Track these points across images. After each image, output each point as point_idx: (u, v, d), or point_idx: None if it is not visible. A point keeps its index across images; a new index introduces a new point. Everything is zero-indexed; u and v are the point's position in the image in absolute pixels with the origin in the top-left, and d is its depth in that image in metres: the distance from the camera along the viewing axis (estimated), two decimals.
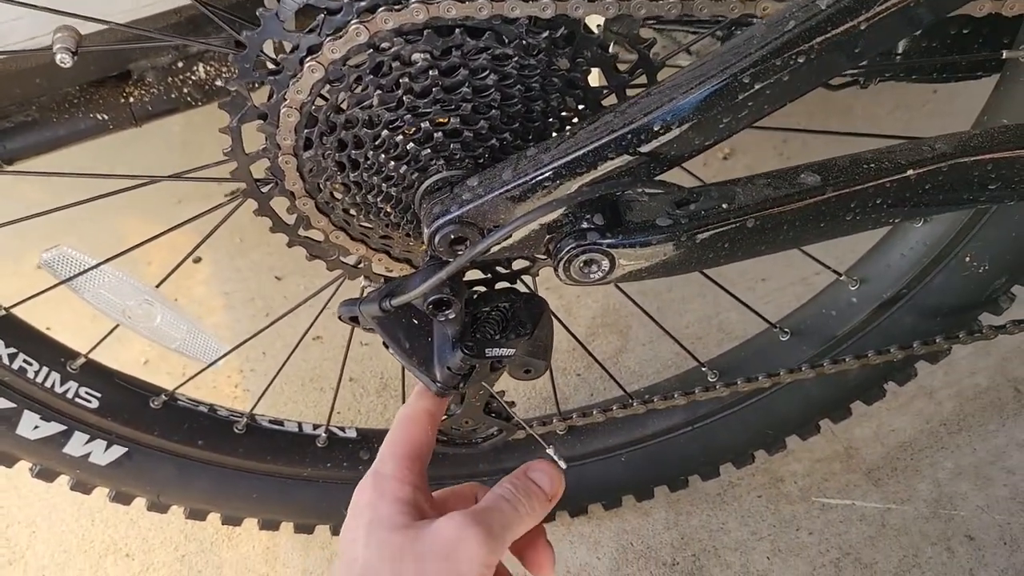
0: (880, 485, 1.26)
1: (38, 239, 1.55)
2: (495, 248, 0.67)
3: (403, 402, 1.08)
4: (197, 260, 1.56)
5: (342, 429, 1.13)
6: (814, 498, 1.26)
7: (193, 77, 0.98)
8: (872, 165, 0.70)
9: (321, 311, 1.03)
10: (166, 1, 0.91)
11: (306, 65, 0.67)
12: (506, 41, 0.67)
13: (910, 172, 0.69)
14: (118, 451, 0.99)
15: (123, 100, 0.97)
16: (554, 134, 0.72)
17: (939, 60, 0.88)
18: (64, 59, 0.72)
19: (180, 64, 0.98)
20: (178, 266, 0.92)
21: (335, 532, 1.17)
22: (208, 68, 0.98)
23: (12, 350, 0.90)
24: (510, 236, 0.67)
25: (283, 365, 1.11)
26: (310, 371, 1.41)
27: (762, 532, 1.22)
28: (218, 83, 1.00)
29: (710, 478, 1.18)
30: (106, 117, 0.97)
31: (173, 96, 0.98)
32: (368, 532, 0.60)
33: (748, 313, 1.43)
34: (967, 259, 0.92)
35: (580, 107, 0.72)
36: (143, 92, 0.97)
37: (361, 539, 0.60)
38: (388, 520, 0.61)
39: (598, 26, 0.71)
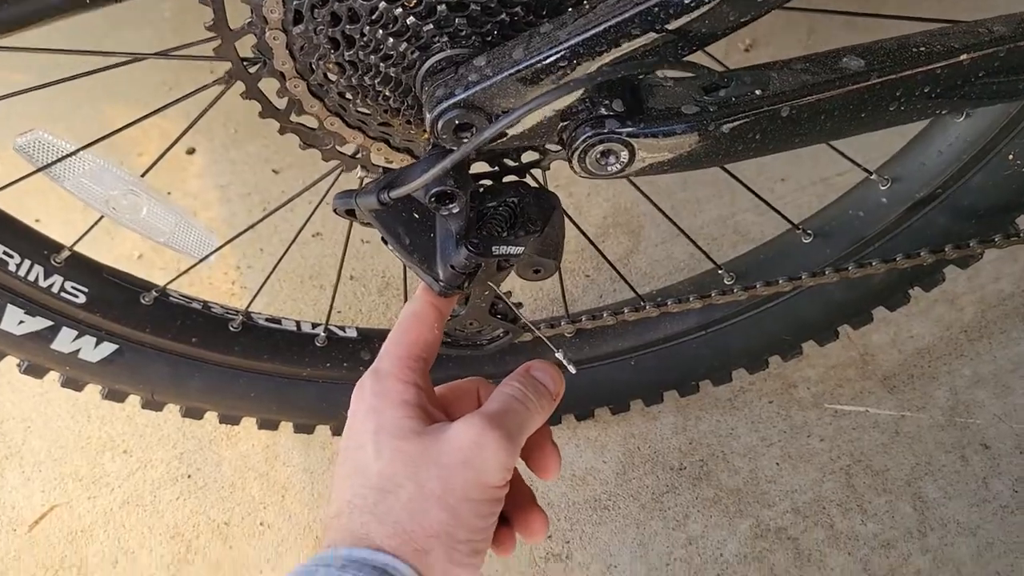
0: (895, 392, 1.23)
1: (21, 125, 1.49)
2: (504, 136, 0.61)
3: (405, 301, 1.05)
4: (191, 151, 1.49)
5: (342, 328, 1.09)
6: (827, 405, 1.22)
7: None
8: (922, 49, 0.63)
9: (318, 205, 0.97)
10: None
11: None
12: None
13: (963, 57, 0.63)
14: (109, 348, 0.95)
15: None
16: (568, 10, 0.65)
17: None
18: None
19: None
20: (165, 152, 0.86)
21: (336, 432, 1.15)
22: None
23: None
24: (520, 122, 0.61)
25: (279, 260, 1.06)
26: (309, 268, 1.36)
27: (772, 438, 1.20)
28: None
29: (722, 383, 1.15)
30: None
31: None
32: (377, 440, 0.57)
33: (766, 215, 1.37)
34: (1010, 157, 0.86)
35: None
36: None
37: (370, 447, 0.57)
38: (397, 427, 0.58)
39: None
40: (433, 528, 0.55)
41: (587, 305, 1.30)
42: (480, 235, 0.67)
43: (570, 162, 0.63)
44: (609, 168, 0.63)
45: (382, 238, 0.69)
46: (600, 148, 0.61)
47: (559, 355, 0.85)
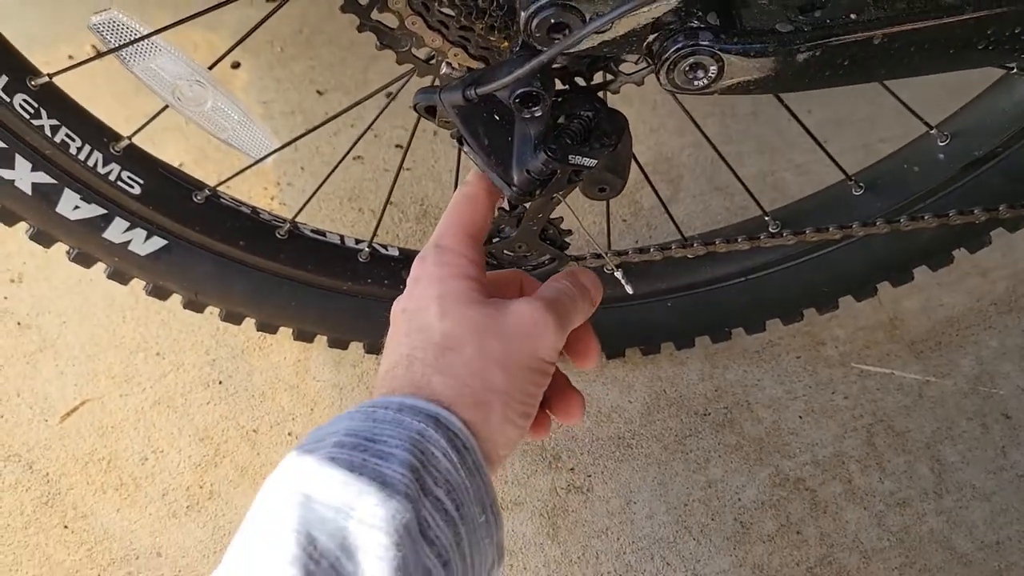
0: (922, 358, 1.24)
1: (72, 29, 1.49)
2: (595, 39, 0.61)
3: None
4: (236, 66, 1.48)
5: (385, 247, 1.10)
6: (853, 364, 1.24)
7: None
8: None
9: (367, 130, 0.97)
10: None
11: None
12: None
13: None
14: (158, 243, 0.96)
15: None
16: None
17: None
18: None
19: None
20: (227, 53, 0.86)
21: (369, 350, 1.16)
22: None
23: (55, 122, 0.85)
24: (612, 28, 0.61)
25: (327, 177, 1.07)
26: (349, 190, 1.36)
27: (797, 392, 1.21)
28: None
29: (755, 332, 1.15)
30: None
31: None
32: (442, 304, 0.60)
33: (806, 174, 1.38)
34: None
35: None
36: None
37: (434, 308, 0.60)
38: (463, 294, 0.61)
39: None
40: (492, 384, 0.58)
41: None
42: (558, 142, 0.67)
43: (657, 74, 0.64)
44: (696, 83, 0.63)
45: (458, 138, 0.70)
46: (690, 60, 0.62)
47: (619, 274, 0.86)
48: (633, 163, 0.99)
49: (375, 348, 1.15)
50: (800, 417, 1.19)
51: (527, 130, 0.67)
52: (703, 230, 1.35)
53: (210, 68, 0.87)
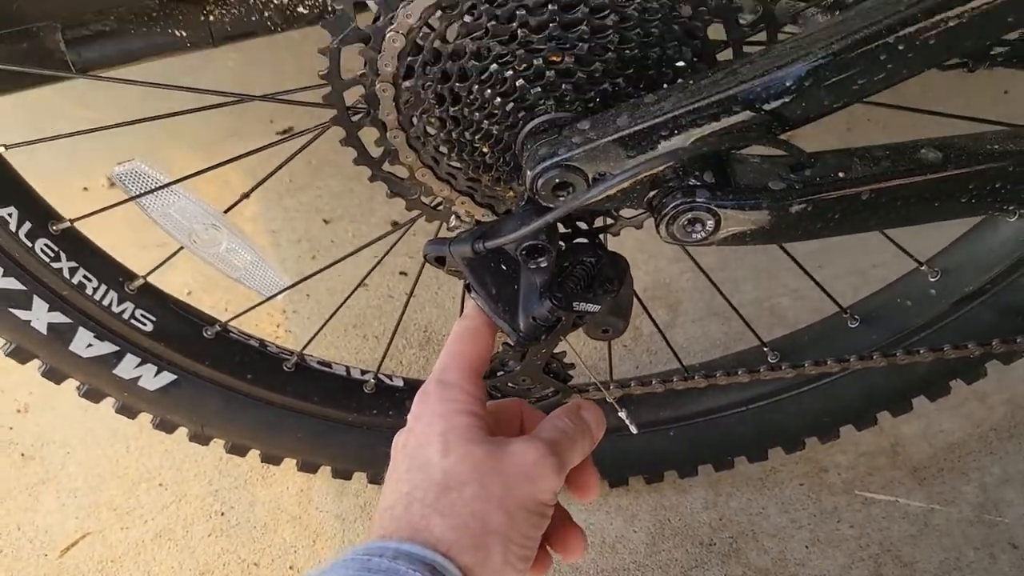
0: (925, 484, 1.24)
1: (88, 162, 1.54)
2: (599, 197, 0.65)
3: None
4: (245, 196, 1.53)
5: (389, 377, 1.11)
6: (857, 491, 1.23)
7: (275, 1, 0.95)
8: (996, 147, 0.67)
9: (378, 263, 1.01)
10: None
11: None
12: None
13: None
14: (168, 377, 0.97)
15: (203, 18, 0.94)
16: (664, 83, 0.69)
17: None
18: None
19: None
20: (246, 195, 0.90)
21: (372, 480, 1.16)
22: None
23: (73, 264, 0.88)
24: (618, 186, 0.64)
25: (335, 311, 1.09)
26: (353, 317, 1.38)
27: (802, 521, 1.20)
28: (300, 10, 0.97)
29: (757, 461, 1.16)
30: (184, 34, 0.94)
31: (254, 19, 0.95)
32: (445, 441, 0.60)
33: (802, 300, 1.41)
34: None
35: (695, 59, 0.68)
36: (224, 12, 0.94)
37: (436, 446, 0.60)
38: (466, 432, 0.61)
39: None
40: (492, 526, 0.58)
41: (623, 373, 1.32)
42: (562, 290, 0.70)
43: (657, 227, 0.66)
44: (694, 235, 0.66)
45: (466, 285, 0.72)
46: (688, 216, 0.65)
47: (622, 414, 0.87)
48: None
49: (378, 479, 1.15)
50: (806, 547, 1.18)
51: (533, 279, 0.70)
52: (703, 355, 1.38)
53: (225, 212, 0.90)
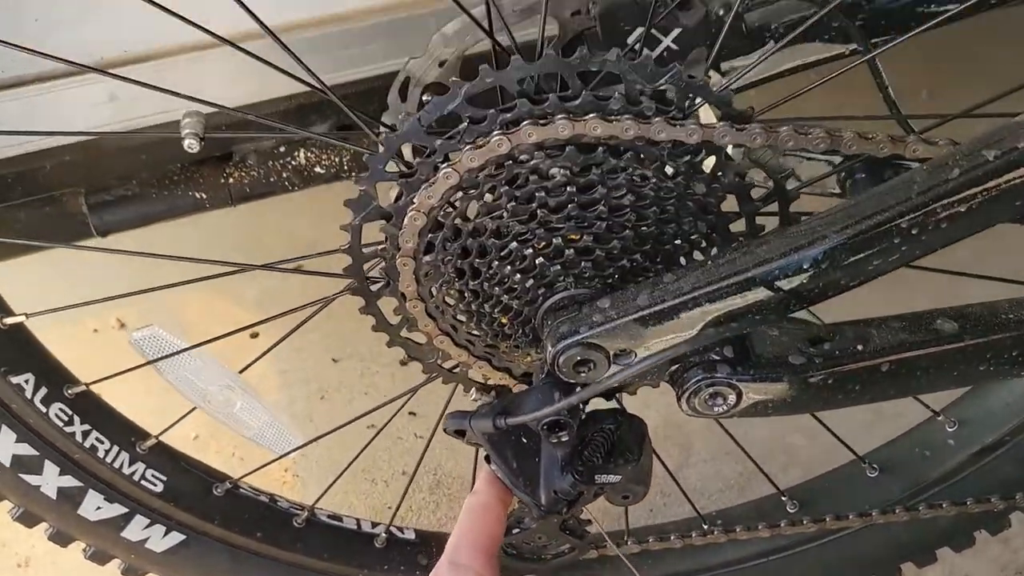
0: None
1: (99, 305, 1.55)
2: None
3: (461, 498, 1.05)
4: (255, 335, 1.53)
5: (401, 530, 1.09)
6: None
7: (293, 162, 0.98)
8: (1011, 316, 0.67)
9: (395, 415, 1.00)
10: (282, 87, 0.91)
11: (441, 171, 0.65)
12: (647, 163, 0.66)
13: None
14: (176, 538, 0.95)
15: (223, 181, 0.97)
16: (681, 257, 0.71)
17: None
18: (192, 144, 0.72)
19: (282, 148, 0.98)
20: (267, 352, 0.90)
21: None
22: (308, 155, 0.98)
23: (86, 427, 0.87)
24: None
25: (350, 464, 1.08)
26: (362, 460, 1.35)
27: None
28: (317, 169, 1.00)
29: None
30: (204, 196, 0.97)
31: (272, 180, 0.98)
32: None
33: (816, 438, 1.39)
34: None
35: (710, 232, 0.70)
36: (243, 174, 0.97)
37: None
38: None
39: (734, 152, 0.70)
40: None
41: (638, 519, 1.30)
42: (584, 463, 0.69)
43: (679, 401, 0.67)
44: (715, 408, 0.66)
45: (487, 457, 0.72)
46: (709, 391, 0.65)
47: None
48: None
49: None
50: None
51: (554, 452, 0.69)
52: (717, 497, 1.35)
53: (240, 372, 0.90)
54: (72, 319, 1.50)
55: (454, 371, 0.82)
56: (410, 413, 1.44)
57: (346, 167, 0.98)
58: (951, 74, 1.74)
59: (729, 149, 0.69)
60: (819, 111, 0.73)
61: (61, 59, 0.65)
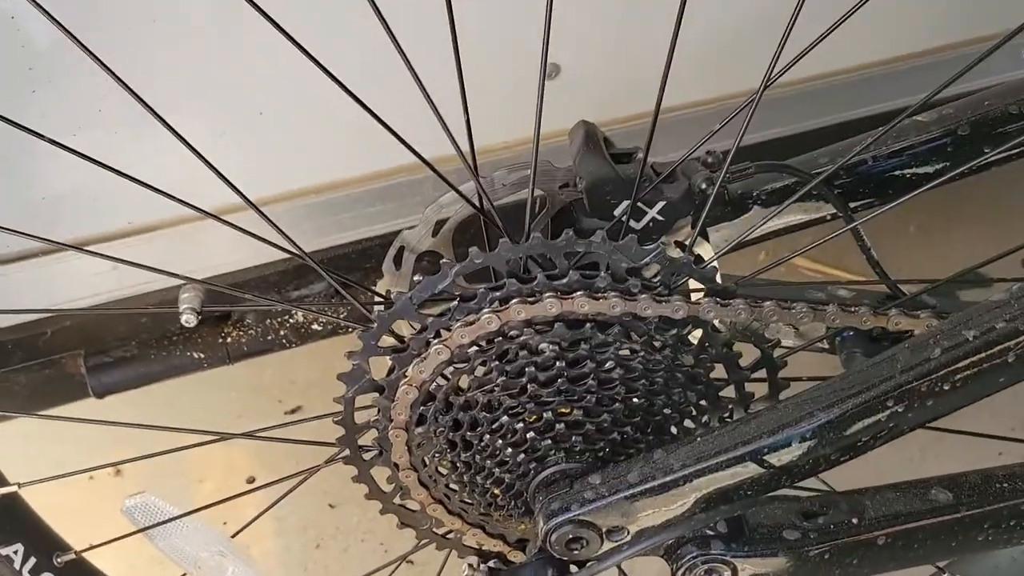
0: None
1: (96, 454, 1.54)
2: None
3: None
4: (251, 480, 1.52)
5: None
6: None
7: (291, 321, 1.00)
8: (1006, 485, 0.67)
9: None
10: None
11: (433, 347, 0.66)
12: (634, 337, 0.67)
13: None
14: None
15: (221, 340, 0.98)
16: (672, 426, 0.71)
17: None
18: (189, 319, 0.73)
19: (279, 308, 1.00)
20: (258, 516, 0.90)
21: None
22: (306, 314, 1.00)
23: None
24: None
25: None
26: None
27: None
28: (315, 327, 1.01)
29: None
30: (202, 356, 0.98)
31: (269, 338, 1.00)
32: None
33: None
34: None
35: (699, 400, 0.70)
36: (241, 333, 0.99)
37: None
38: None
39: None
40: None
41: None
42: None
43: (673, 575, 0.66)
44: None
45: None
46: (705, 567, 0.64)
47: None
48: None
49: None
50: None
51: None
52: None
53: (233, 536, 0.89)
54: (66, 466, 1.49)
55: (448, 536, 0.82)
56: (408, 561, 1.41)
57: (342, 324, 1.00)
58: (941, 207, 1.78)
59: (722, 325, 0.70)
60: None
61: (44, 239, 0.67)
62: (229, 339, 0.98)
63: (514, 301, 0.65)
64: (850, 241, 0.81)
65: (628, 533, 0.64)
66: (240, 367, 1.65)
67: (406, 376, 0.68)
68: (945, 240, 1.84)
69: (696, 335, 0.69)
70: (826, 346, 0.83)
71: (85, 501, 1.48)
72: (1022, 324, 0.58)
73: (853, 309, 0.67)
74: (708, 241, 0.82)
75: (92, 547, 0.86)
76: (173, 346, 0.96)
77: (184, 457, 1.52)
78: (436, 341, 0.67)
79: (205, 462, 1.52)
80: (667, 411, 0.70)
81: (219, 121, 0.84)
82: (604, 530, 0.64)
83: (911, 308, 0.68)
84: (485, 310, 0.65)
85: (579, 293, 0.64)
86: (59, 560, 0.85)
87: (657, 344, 0.67)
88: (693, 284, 0.69)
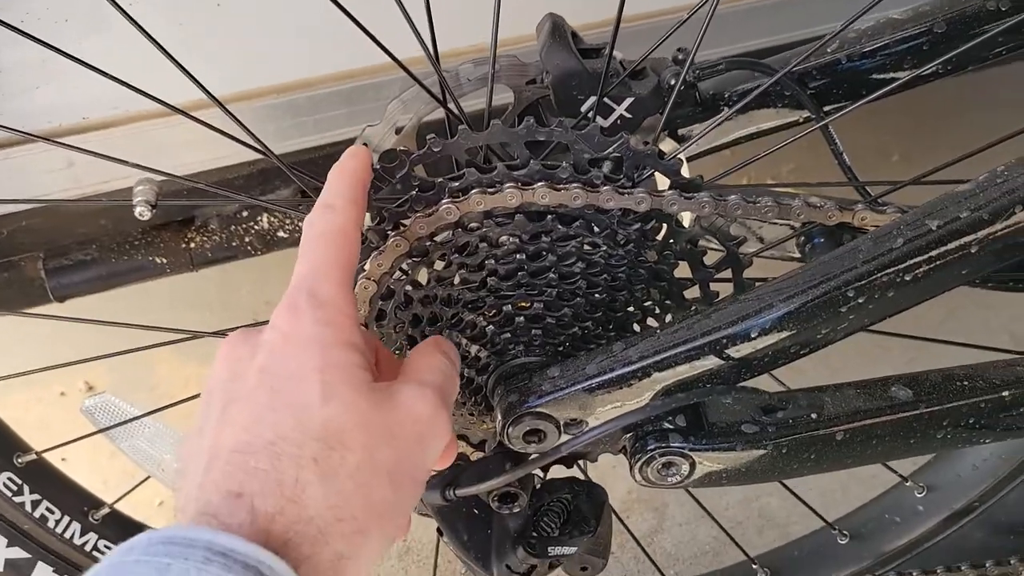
0: None
1: (76, 369, 1.53)
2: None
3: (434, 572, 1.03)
4: None
5: None
6: None
7: (256, 227, 0.98)
8: (965, 383, 0.67)
9: None
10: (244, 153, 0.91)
11: (391, 239, 0.65)
12: (596, 230, 0.66)
13: (1005, 393, 0.66)
14: None
15: (184, 245, 0.96)
16: (635, 324, 0.70)
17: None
18: (143, 212, 0.71)
19: (244, 213, 0.98)
20: None
21: None
22: (272, 219, 0.98)
23: (36, 497, 0.85)
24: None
25: None
26: None
27: None
28: (280, 234, 0.99)
29: None
30: (165, 261, 0.96)
31: (234, 244, 0.98)
32: (325, 383, 0.46)
33: (791, 498, 1.37)
34: None
35: (663, 298, 0.70)
36: (205, 239, 0.97)
37: (315, 386, 0.46)
38: (349, 374, 0.47)
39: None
40: (376, 505, 0.46)
41: None
42: (537, 535, 0.68)
43: (631, 470, 0.65)
44: (670, 479, 0.65)
45: (438, 529, 0.70)
46: (662, 460, 0.64)
47: None
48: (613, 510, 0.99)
49: None
50: None
51: (506, 523, 0.68)
52: (691, 563, 1.33)
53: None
54: (39, 382, 1.48)
55: None
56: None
57: None
58: (926, 137, 1.76)
59: (687, 221, 0.69)
60: (783, 177, 0.74)
61: (9, 128, 0.65)
62: (192, 244, 0.96)
63: (474, 191, 0.63)
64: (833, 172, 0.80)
65: (587, 426, 0.64)
66: (214, 286, 1.65)
67: (364, 270, 0.67)
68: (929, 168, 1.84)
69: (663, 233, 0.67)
70: (796, 254, 0.82)
71: (55, 416, 1.48)
72: (987, 214, 0.58)
73: (819, 204, 0.66)
74: (678, 142, 0.81)
75: (53, 447, 0.85)
76: (135, 250, 0.94)
77: (154, 372, 1.53)
78: (394, 233, 0.65)
79: (178, 381, 1.52)
80: (629, 308, 0.69)
81: (176, 10, 0.81)
82: (562, 423, 0.64)
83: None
84: (444, 200, 0.64)
85: (540, 184, 0.63)
86: (19, 460, 0.84)
87: (620, 239, 0.66)
88: (661, 183, 0.68)
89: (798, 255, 0.81)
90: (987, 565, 0.89)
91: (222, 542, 0.40)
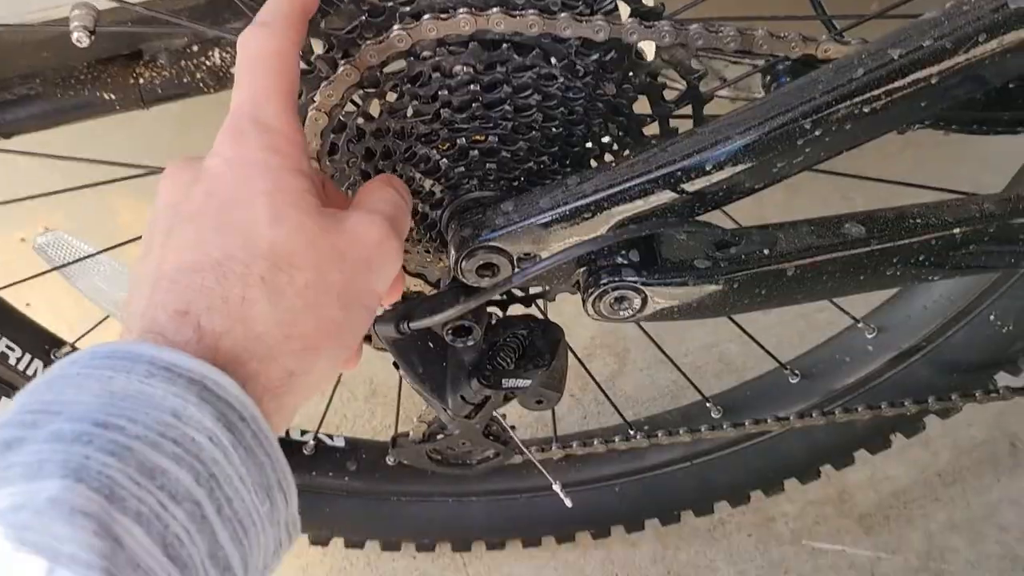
0: (871, 533, 1.24)
1: (24, 212, 1.51)
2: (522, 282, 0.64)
3: (397, 412, 1.05)
4: None
5: (330, 437, 1.10)
6: (804, 541, 1.23)
7: (208, 62, 0.94)
8: (918, 220, 0.67)
9: None
10: None
11: (340, 68, 0.63)
12: (553, 61, 0.63)
13: (956, 230, 0.67)
14: None
15: (132, 81, 0.92)
16: (592, 160, 0.69)
17: (982, 114, 0.85)
18: (81, 38, 0.68)
19: (195, 48, 0.93)
20: None
21: (314, 542, 1.13)
22: (224, 54, 0.94)
23: None
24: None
25: None
26: None
27: (750, 572, 1.20)
28: (233, 71, 0.96)
29: (704, 515, 1.16)
30: (113, 97, 0.92)
31: (185, 80, 0.94)
32: (274, 204, 0.46)
33: (749, 345, 1.41)
34: (991, 317, 0.90)
35: (621, 134, 0.68)
36: (154, 74, 0.93)
37: (263, 209, 0.45)
38: (299, 197, 0.47)
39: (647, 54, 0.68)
40: (326, 325, 0.46)
41: (571, 425, 1.32)
42: (491, 367, 0.69)
43: (584, 305, 0.66)
44: (621, 313, 0.66)
45: (394, 363, 0.71)
46: (615, 294, 0.64)
47: (556, 487, 0.86)
48: (571, 349, 1.01)
49: (319, 540, 1.13)
50: None
51: (460, 357, 0.69)
52: (650, 405, 1.37)
53: None
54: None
55: None
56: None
57: None
58: None
59: (649, 54, 0.67)
60: (745, 11, 0.71)
61: None
62: (142, 80, 0.92)
63: (426, 17, 0.60)
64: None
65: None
66: (174, 138, 1.60)
67: (315, 101, 0.65)
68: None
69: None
70: (761, 93, 0.80)
71: (15, 260, 1.46)
72: (950, 43, 0.56)
73: (783, 34, 0.64)
74: None
75: (8, 285, 0.85)
76: (81, 85, 0.90)
77: (118, 220, 1.50)
78: (344, 61, 0.63)
79: (140, 223, 1.49)
80: (587, 144, 0.68)
81: None
82: (515, 257, 0.63)
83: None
84: (395, 27, 0.61)
85: (495, 9, 0.60)
86: None
87: (578, 70, 0.64)
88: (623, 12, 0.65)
89: (763, 94, 0.79)
90: (929, 401, 0.92)
91: (165, 357, 0.40)
